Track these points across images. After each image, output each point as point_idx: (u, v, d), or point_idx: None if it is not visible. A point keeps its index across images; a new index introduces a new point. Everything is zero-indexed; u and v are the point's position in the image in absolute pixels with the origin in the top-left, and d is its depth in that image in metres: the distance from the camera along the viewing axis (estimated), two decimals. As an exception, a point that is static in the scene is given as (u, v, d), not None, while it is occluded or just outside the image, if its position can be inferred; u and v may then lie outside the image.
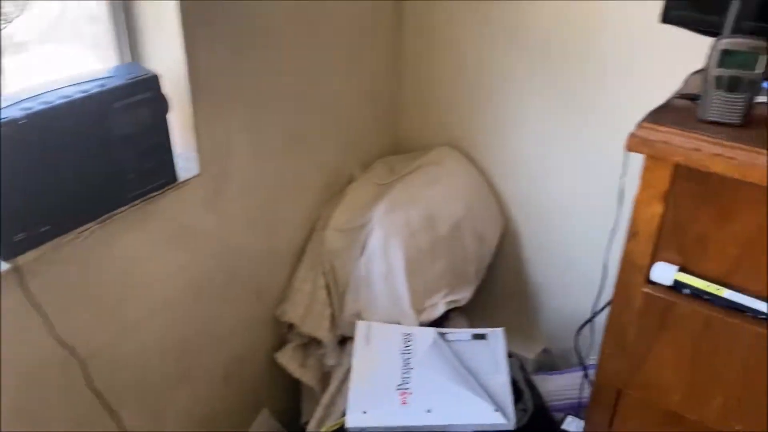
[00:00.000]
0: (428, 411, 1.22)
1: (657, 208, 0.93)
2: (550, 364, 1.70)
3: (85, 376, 1.05)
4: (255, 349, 1.43)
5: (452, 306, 1.43)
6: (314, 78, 1.34)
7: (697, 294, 0.92)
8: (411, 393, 1.25)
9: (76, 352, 1.02)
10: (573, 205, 1.52)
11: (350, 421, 1.21)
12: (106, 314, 1.08)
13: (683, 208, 0.91)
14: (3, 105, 0.84)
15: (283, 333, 1.46)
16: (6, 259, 0.87)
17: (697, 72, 1.15)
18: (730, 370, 0.93)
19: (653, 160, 0.90)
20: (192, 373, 1.29)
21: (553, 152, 1.49)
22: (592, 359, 1.50)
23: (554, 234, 1.58)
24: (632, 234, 0.96)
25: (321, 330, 1.37)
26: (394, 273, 1.35)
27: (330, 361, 1.38)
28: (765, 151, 0.80)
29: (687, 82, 1.13)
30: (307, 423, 1.50)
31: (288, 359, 1.41)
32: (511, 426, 1.19)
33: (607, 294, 1.09)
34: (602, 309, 1.29)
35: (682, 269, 0.93)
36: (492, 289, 1.69)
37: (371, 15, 1.45)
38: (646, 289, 0.96)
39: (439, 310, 1.41)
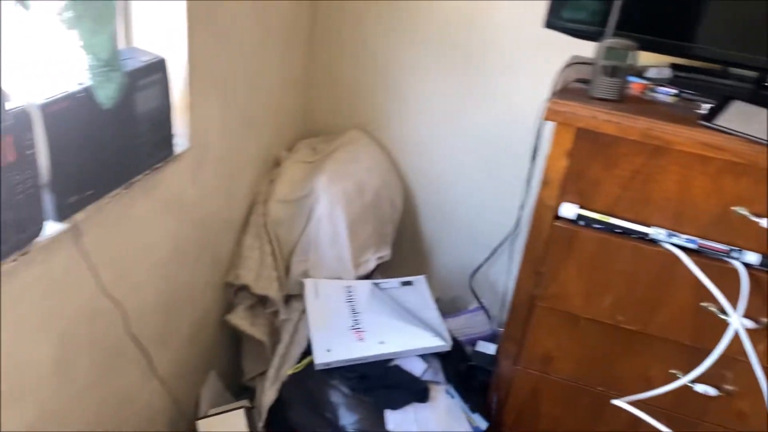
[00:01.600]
0: (381, 342, 1.47)
1: (563, 162, 1.27)
2: (442, 310, 2.02)
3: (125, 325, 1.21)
4: (209, 313, 1.57)
5: (380, 261, 1.69)
6: (260, 68, 1.52)
7: (592, 224, 1.29)
8: (364, 331, 1.49)
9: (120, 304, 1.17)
10: (460, 175, 1.85)
11: (318, 359, 1.42)
12: (126, 271, 1.20)
13: (581, 161, 1.26)
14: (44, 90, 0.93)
15: (229, 298, 1.62)
16: (63, 219, 0.97)
17: (569, 65, 1.54)
18: (615, 277, 1.30)
19: (561, 126, 1.24)
20: (170, 334, 1.41)
21: (448, 130, 1.81)
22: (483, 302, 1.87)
23: (444, 200, 1.90)
24: (545, 183, 1.29)
25: (272, 290, 1.55)
26: (339, 235, 1.58)
27: (282, 315, 1.57)
28: (640, 117, 1.18)
29: (563, 71, 1.51)
30: (251, 380, 1.67)
31: (240, 319, 1.57)
32: (449, 347, 1.49)
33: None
34: (500, 245, 1.64)
35: (581, 206, 1.29)
36: (395, 249, 1.97)
37: (294, 14, 1.65)
38: (556, 224, 1.31)
39: (371, 265, 1.66)
